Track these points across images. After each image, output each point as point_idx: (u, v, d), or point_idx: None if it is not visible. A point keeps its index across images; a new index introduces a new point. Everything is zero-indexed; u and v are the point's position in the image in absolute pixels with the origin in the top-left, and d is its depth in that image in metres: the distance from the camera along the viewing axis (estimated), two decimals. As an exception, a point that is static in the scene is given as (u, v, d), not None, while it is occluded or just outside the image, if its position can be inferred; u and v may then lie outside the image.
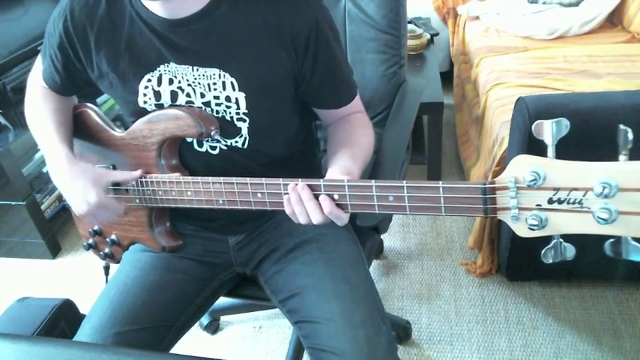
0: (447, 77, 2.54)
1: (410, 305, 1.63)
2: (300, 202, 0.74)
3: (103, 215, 0.92)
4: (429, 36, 2.37)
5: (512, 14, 2.32)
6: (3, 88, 1.94)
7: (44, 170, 2.07)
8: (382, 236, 1.78)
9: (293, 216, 0.76)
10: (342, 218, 0.74)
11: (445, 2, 2.68)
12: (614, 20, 2.26)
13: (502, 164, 1.47)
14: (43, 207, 2.00)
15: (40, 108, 0.98)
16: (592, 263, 1.49)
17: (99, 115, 0.99)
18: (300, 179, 0.74)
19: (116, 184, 0.92)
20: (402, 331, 1.50)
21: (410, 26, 2.25)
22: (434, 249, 1.84)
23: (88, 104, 1.01)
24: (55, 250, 2.03)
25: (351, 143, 0.89)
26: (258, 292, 1.04)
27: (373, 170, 1.06)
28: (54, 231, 2.05)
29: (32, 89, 1.02)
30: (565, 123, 0.55)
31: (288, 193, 0.75)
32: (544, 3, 2.33)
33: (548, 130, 0.55)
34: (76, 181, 0.89)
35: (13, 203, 1.89)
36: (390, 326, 0.91)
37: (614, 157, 0.52)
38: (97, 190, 0.88)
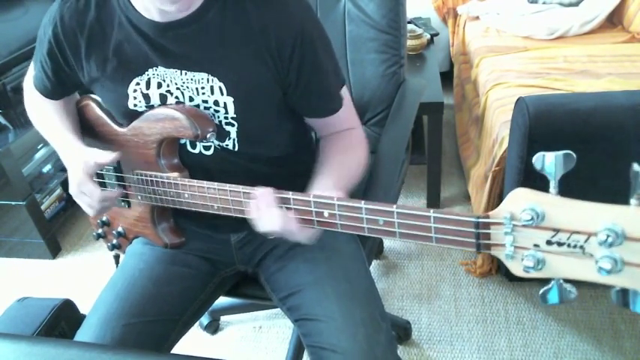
0: (447, 77, 2.54)
1: (410, 305, 1.63)
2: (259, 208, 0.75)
3: (85, 203, 0.92)
4: (429, 36, 2.36)
5: (512, 14, 2.32)
6: (3, 88, 1.94)
7: (44, 170, 2.07)
8: (382, 236, 1.78)
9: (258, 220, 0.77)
10: (294, 234, 0.75)
11: (445, 2, 2.68)
12: (614, 20, 2.26)
13: (502, 164, 1.47)
14: (43, 207, 1.99)
15: (44, 107, 1.00)
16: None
17: (102, 108, 0.99)
18: (290, 192, 0.74)
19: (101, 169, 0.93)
20: (402, 331, 1.50)
21: (410, 26, 2.24)
22: (434, 249, 1.84)
23: (92, 96, 1.01)
24: (55, 250, 2.04)
25: (339, 167, 0.89)
26: (258, 291, 1.04)
27: (373, 170, 1.06)
28: (54, 231, 2.05)
29: (29, 93, 1.04)
30: (572, 157, 0.49)
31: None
32: (544, 3, 2.33)
33: (552, 164, 0.49)
34: (70, 165, 0.91)
35: (13, 203, 1.89)
36: (390, 325, 0.91)
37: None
38: (79, 174, 0.88)
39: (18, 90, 1.93)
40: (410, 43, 2.17)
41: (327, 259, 0.94)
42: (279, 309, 1.00)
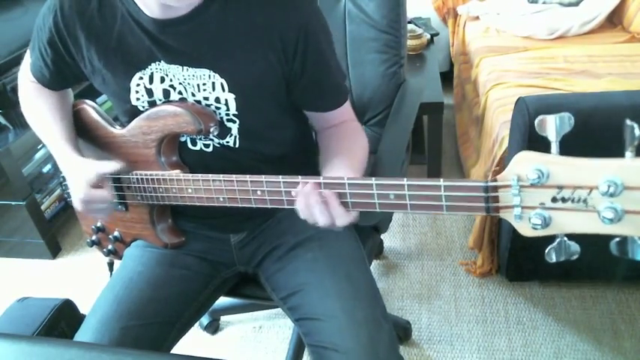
0: (447, 77, 2.54)
1: (410, 305, 1.63)
2: (318, 202, 0.72)
3: (95, 210, 0.91)
4: (429, 36, 2.37)
5: (512, 14, 2.32)
6: (3, 88, 1.94)
7: (44, 170, 2.07)
8: (382, 236, 1.78)
9: (309, 215, 0.74)
10: (342, 217, 0.72)
11: (445, 2, 2.68)
12: (614, 20, 2.26)
13: (502, 164, 1.47)
14: (43, 207, 1.99)
15: (38, 105, 0.99)
16: (592, 263, 1.49)
17: (98, 111, 0.99)
18: (299, 177, 0.73)
19: (106, 176, 0.91)
20: (402, 331, 1.50)
21: (410, 26, 2.25)
22: (434, 249, 1.84)
23: (87, 101, 1.01)
24: (55, 250, 2.03)
25: (349, 155, 0.88)
26: (259, 292, 1.04)
27: (373, 170, 1.06)
28: (54, 231, 2.05)
29: (24, 85, 1.03)
30: (569, 117, 0.53)
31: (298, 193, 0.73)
32: (544, 3, 2.33)
33: (552, 126, 0.53)
34: (70, 178, 0.91)
35: (13, 203, 1.89)
36: (392, 325, 0.91)
37: (617, 156, 0.51)
38: (83, 186, 0.88)
39: (18, 90, 1.93)
40: (410, 43, 2.17)
41: (328, 258, 0.93)
42: (279, 309, 1.00)
